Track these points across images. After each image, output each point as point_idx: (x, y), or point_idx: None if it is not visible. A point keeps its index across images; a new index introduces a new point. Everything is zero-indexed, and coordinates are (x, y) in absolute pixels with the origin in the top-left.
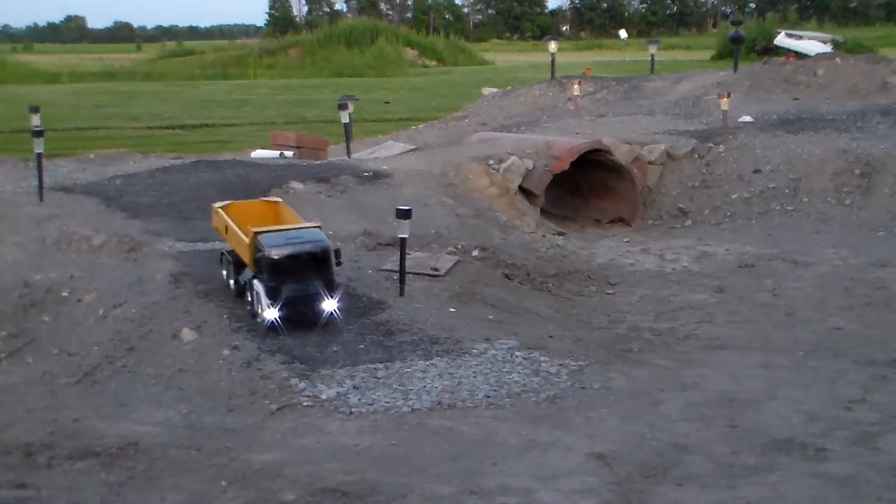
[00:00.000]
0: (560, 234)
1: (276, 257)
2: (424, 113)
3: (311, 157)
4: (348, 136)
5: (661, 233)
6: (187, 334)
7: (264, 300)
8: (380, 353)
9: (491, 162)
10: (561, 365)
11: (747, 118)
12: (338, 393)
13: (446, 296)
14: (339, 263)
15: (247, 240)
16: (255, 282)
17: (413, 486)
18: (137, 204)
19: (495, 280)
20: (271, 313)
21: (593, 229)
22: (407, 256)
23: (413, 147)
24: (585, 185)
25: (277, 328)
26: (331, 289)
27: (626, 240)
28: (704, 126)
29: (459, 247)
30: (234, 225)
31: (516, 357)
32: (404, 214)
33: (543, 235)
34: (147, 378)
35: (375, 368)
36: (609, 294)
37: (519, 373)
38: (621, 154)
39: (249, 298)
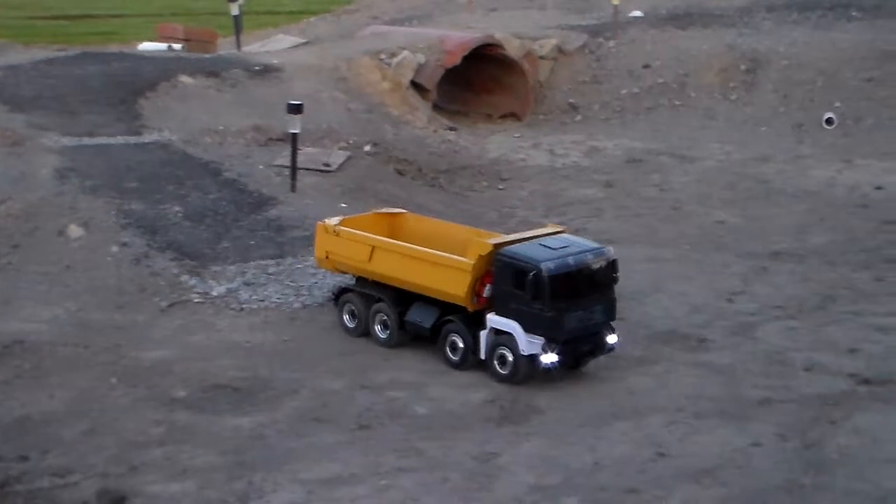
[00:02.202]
0: (452, 129)
1: (555, 277)
2: (316, 5)
3: (201, 51)
4: (238, 30)
5: (551, 128)
6: (74, 231)
7: (524, 340)
8: (271, 249)
9: (383, 56)
10: None
11: (637, 13)
12: (228, 289)
13: (338, 191)
14: (616, 279)
15: (466, 260)
16: (496, 318)
17: (305, 382)
18: (20, 97)
19: (387, 175)
20: (550, 357)
21: (485, 124)
22: (298, 152)
23: (304, 41)
24: (477, 79)
25: (551, 371)
26: (612, 314)
27: (517, 135)
28: (595, 21)
29: (351, 142)
30: (410, 243)
31: None
32: (295, 109)
33: (435, 130)
34: (33, 275)
35: (266, 265)
36: (500, 189)
37: None
38: (513, 49)
39: (461, 344)
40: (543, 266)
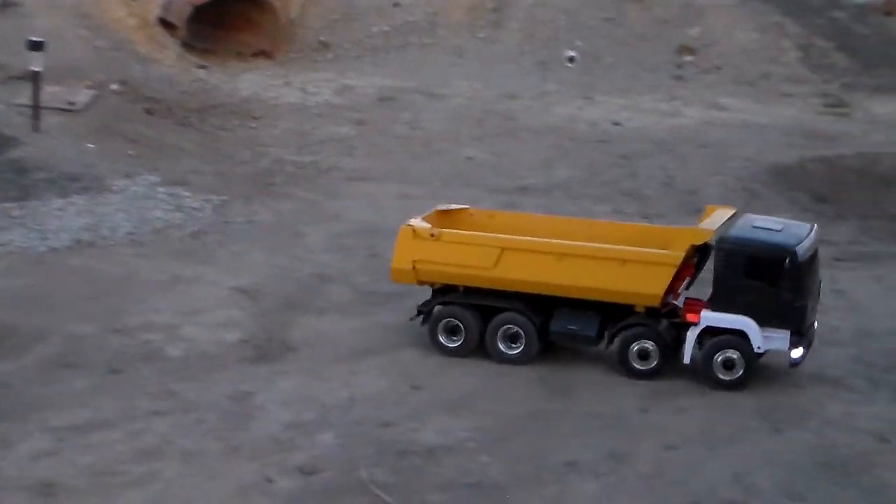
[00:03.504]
0: (202, 67)
1: (804, 262)
2: None
3: None
4: None
5: (303, 66)
6: None
7: (758, 336)
8: (14, 191)
9: None
10: (205, 200)
11: None
12: None
13: (84, 131)
14: None
15: (673, 253)
16: (716, 315)
17: (53, 327)
18: None
19: (136, 115)
20: (798, 351)
21: (236, 63)
22: (41, 90)
23: None
24: (227, 17)
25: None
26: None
27: (268, 73)
28: None
29: (97, 80)
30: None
31: (159, 193)
32: (36, 46)
33: (185, 69)
34: None
35: (9, 208)
36: (252, 128)
37: (162, 209)
38: None
39: (654, 349)
40: (798, 251)
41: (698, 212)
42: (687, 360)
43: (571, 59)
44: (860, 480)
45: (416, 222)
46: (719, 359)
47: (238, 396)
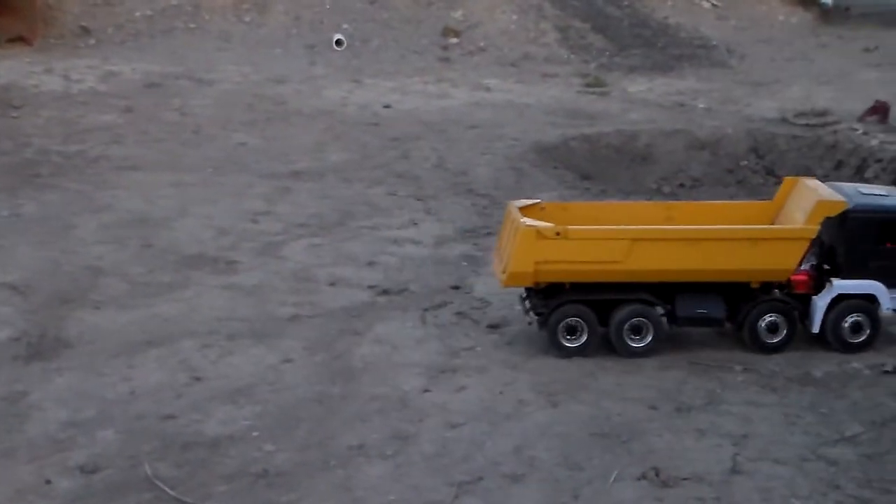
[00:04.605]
0: None
1: None
2: None
3: None
4: None
5: (64, 52)
6: None
7: (887, 297)
8: None
9: None
10: None
11: None
12: None
13: None
14: None
15: (809, 227)
16: (846, 283)
17: None
18: None
19: None
20: None
21: None
22: None
23: None
24: None
25: None
26: None
27: (27, 60)
28: None
29: None
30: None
31: None
32: None
33: None
34: None
35: None
36: (13, 118)
37: None
38: None
39: (782, 322)
40: None
41: (470, 192)
42: (816, 328)
43: (339, 43)
44: (632, 447)
45: (536, 222)
46: (847, 324)
47: (11, 397)
